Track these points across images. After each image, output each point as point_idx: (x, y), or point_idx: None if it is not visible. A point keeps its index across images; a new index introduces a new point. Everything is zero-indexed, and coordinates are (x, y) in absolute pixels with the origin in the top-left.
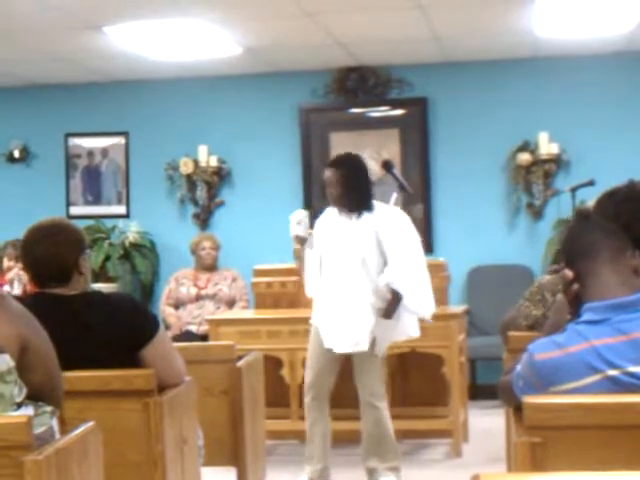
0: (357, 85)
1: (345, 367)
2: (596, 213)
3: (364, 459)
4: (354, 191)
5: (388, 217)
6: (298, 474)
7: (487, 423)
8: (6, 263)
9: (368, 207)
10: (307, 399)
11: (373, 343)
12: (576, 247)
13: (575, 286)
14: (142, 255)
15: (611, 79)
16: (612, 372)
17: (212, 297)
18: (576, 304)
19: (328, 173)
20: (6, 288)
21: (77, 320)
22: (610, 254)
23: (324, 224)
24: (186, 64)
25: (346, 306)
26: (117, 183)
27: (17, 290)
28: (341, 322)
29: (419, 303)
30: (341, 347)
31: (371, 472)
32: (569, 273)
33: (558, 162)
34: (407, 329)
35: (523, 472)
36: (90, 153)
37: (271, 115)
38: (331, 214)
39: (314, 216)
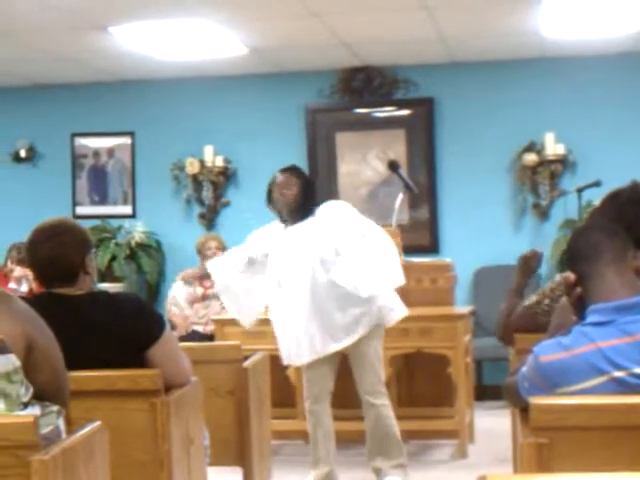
0: (363, 85)
1: (348, 366)
2: (600, 214)
3: (369, 459)
4: (309, 197)
5: (331, 214)
6: (304, 474)
7: (493, 424)
8: (9, 265)
9: (312, 213)
10: (307, 404)
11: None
12: (578, 249)
13: (578, 289)
14: (148, 255)
15: (617, 80)
16: (618, 373)
17: (218, 297)
18: (579, 307)
19: (285, 176)
20: (12, 286)
21: (83, 320)
22: (613, 255)
23: (274, 240)
24: (192, 64)
25: (321, 307)
26: (123, 183)
27: (24, 289)
28: (320, 325)
29: (370, 288)
30: (332, 347)
31: (377, 472)
32: (572, 276)
33: (564, 163)
34: (391, 310)
35: (529, 473)
36: (96, 153)
37: (277, 115)
38: (274, 229)
39: None
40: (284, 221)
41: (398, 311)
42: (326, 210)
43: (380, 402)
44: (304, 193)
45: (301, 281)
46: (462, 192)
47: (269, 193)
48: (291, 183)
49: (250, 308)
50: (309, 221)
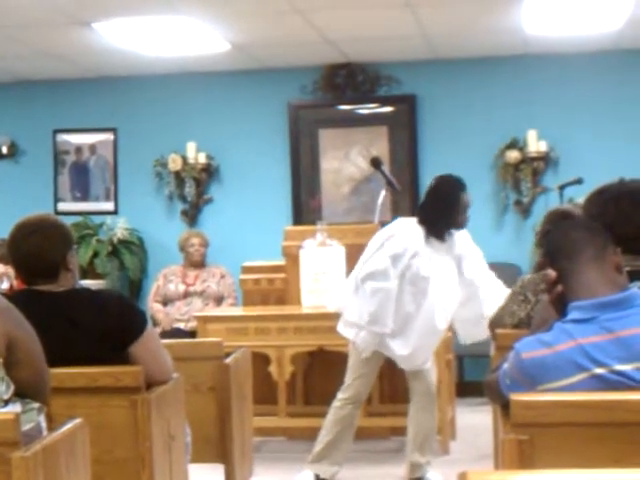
0: (346, 82)
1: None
2: (585, 210)
3: (410, 453)
4: None
5: (465, 241)
6: (286, 471)
7: (475, 420)
8: None
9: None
10: (345, 406)
11: None
12: (559, 246)
13: (559, 287)
14: (130, 252)
15: (600, 77)
16: (599, 370)
17: (200, 294)
18: (560, 305)
19: (468, 197)
20: None
21: (65, 317)
22: (593, 252)
23: (423, 250)
24: (175, 60)
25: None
26: (105, 179)
27: (5, 286)
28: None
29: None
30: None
31: (415, 467)
32: (552, 273)
33: (546, 160)
34: None
35: (510, 469)
36: (78, 149)
37: (260, 112)
38: (420, 236)
39: None
40: (432, 234)
41: None
42: (460, 237)
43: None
44: None
45: (439, 303)
46: None
47: (456, 200)
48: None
49: None
50: (448, 241)
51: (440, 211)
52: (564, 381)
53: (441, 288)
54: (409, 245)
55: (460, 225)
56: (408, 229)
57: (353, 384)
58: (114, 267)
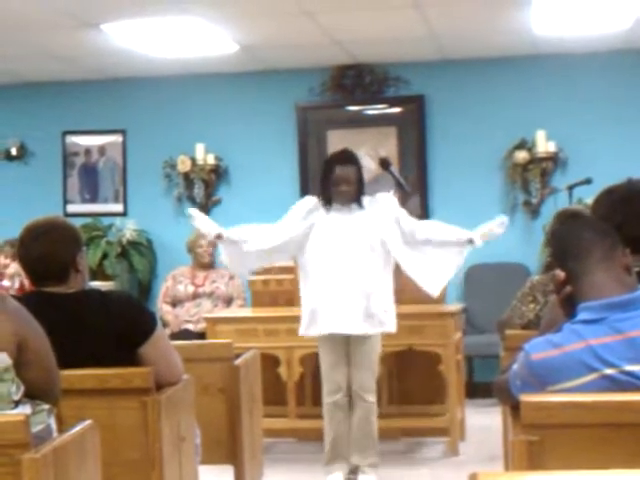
0: (354, 83)
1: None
2: (594, 210)
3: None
4: (362, 186)
5: (384, 205)
6: (295, 472)
7: (484, 421)
8: (2, 261)
9: (361, 204)
10: (330, 400)
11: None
12: (567, 247)
13: (568, 288)
14: (139, 253)
15: (609, 77)
16: (608, 371)
17: (209, 295)
18: (569, 305)
19: (347, 170)
20: (5, 283)
21: (75, 318)
22: (602, 253)
23: (319, 223)
24: (183, 62)
25: (354, 288)
26: (114, 181)
27: (16, 285)
28: (350, 304)
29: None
30: (354, 328)
31: (353, 469)
32: (561, 274)
33: (555, 160)
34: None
35: (520, 470)
36: (87, 151)
37: (268, 113)
38: (315, 211)
39: None
40: (328, 203)
41: (394, 324)
42: (375, 202)
43: (370, 399)
44: (360, 187)
45: (348, 264)
46: (453, 190)
47: (327, 173)
48: (353, 179)
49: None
50: (358, 212)
51: (320, 183)
52: (574, 382)
53: (354, 252)
54: (306, 216)
55: (337, 196)
56: (306, 203)
57: (326, 376)
58: (123, 268)
